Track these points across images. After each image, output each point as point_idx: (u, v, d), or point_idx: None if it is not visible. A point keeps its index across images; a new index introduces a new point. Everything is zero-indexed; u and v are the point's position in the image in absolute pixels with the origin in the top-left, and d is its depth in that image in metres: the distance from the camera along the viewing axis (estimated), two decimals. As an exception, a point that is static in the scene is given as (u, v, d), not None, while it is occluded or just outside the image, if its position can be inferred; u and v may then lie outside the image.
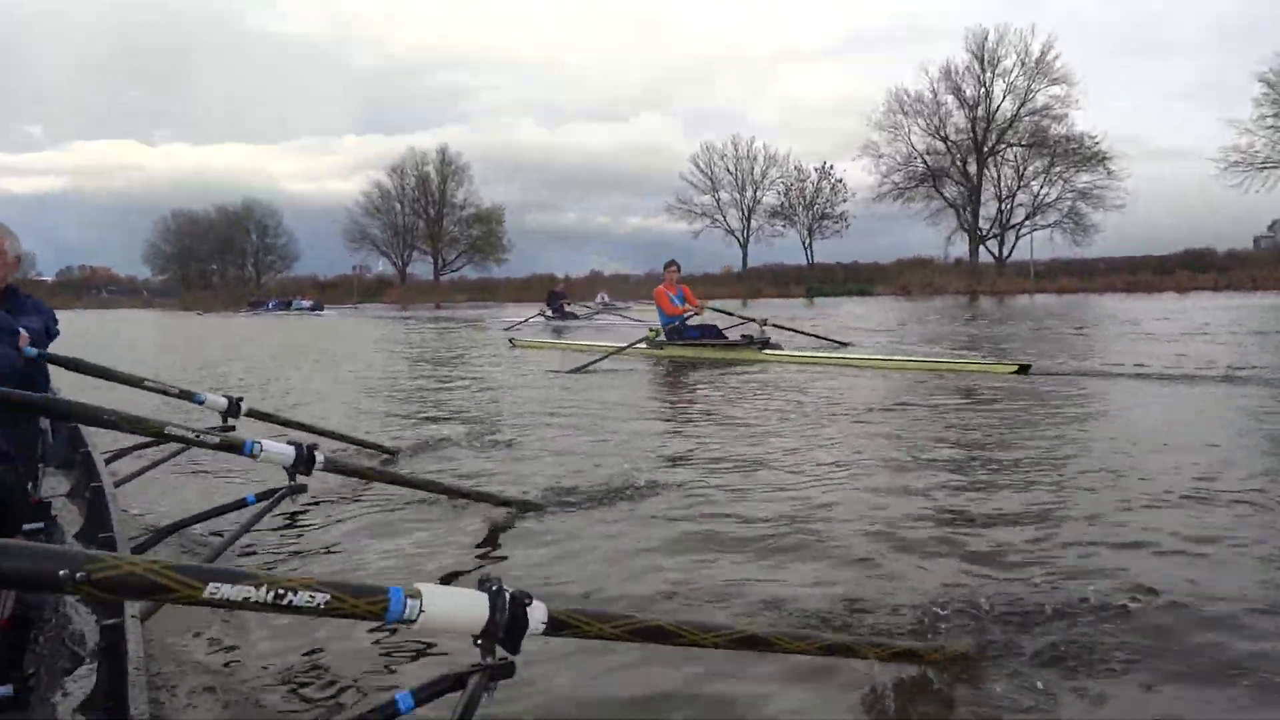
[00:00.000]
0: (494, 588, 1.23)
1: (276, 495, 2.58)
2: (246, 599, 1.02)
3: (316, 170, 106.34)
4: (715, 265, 66.22)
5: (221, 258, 75.79)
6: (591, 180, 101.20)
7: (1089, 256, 53.39)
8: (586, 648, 1.80)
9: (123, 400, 3.86)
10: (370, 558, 2.87)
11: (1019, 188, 54.20)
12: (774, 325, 10.66)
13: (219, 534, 2.82)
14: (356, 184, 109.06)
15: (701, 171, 62.72)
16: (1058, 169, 52.32)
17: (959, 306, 29.24)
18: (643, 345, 10.47)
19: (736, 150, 62.52)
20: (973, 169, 54.55)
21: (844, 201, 60.88)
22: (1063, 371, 7.58)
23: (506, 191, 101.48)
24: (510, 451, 4.72)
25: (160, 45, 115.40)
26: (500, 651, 1.25)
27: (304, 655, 2.09)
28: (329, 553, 2.94)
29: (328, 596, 1.07)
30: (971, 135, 54.31)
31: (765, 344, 9.75)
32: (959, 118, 54.68)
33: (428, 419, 6.14)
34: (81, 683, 1.44)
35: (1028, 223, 54.33)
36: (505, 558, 2.88)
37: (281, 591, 1.04)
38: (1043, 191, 53.40)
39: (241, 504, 2.70)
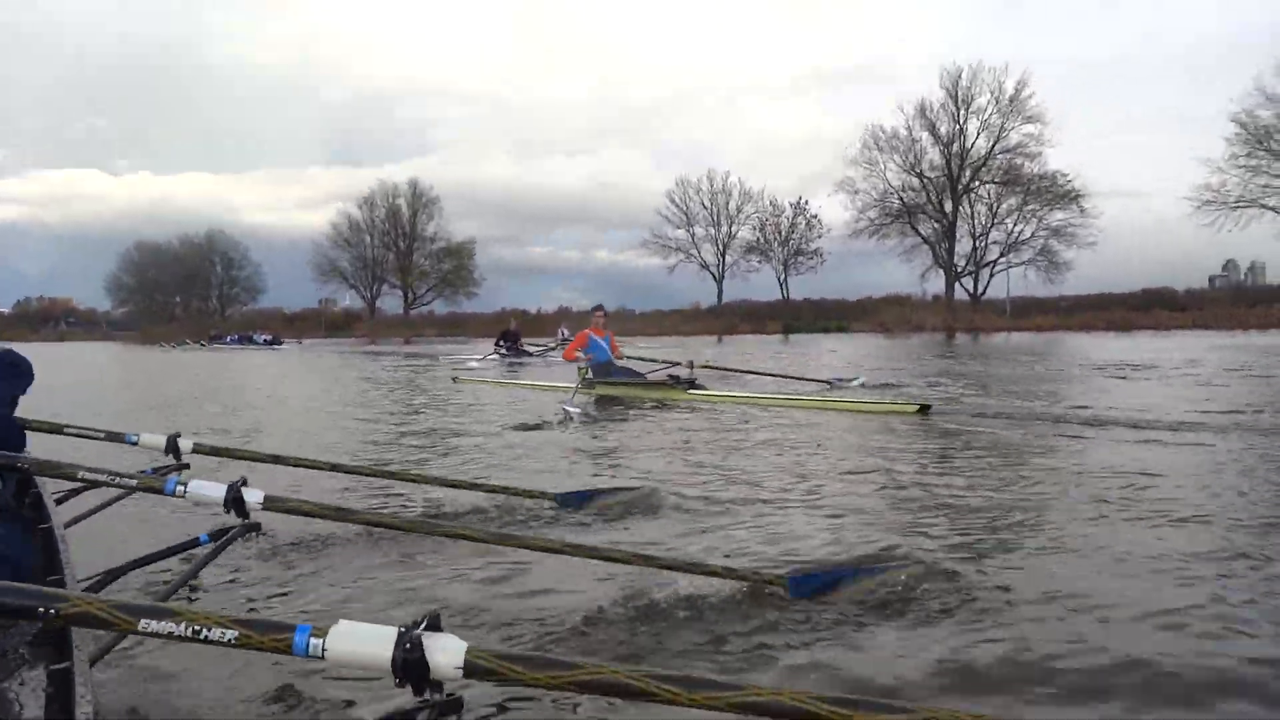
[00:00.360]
0: (406, 627, 1.22)
1: (229, 535, 2.51)
2: (171, 633, 1.17)
3: (283, 201, 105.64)
4: (690, 300, 65.85)
5: (185, 290, 74.33)
6: (559, 214, 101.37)
7: (1048, 295, 54.63)
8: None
9: (50, 449, 3.57)
10: (320, 593, 2.88)
11: (992, 225, 54.45)
12: (707, 367, 11.31)
13: (170, 573, 2.83)
14: (324, 216, 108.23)
15: (676, 206, 62.44)
16: (1031, 207, 52.56)
17: (936, 343, 29.61)
18: (568, 385, 10.68)
19: (712, 185, 62.36)
20: (948, 206, 54.51)
21: (819, 238, 60.67)
22: (959, 412, 7.84)
23: (472, 225, 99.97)
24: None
25: (125, 74, 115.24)
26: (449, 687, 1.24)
27: (262, 693, 2.07)
28: (281, 588, 2.94)
29: (236, 633, 1.18)
30: (947, 172, 54.36)
31: (690, 384, 10.13)
32: (934, 154, 54.92)
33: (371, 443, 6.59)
34: None
35: (1002, 260, 54.45)
36: (442, 595, 2.78)
37: (198, 628, 1.18)
38: (1017, 229, 53.61)
39: (195, 543, 2.62)
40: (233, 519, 2.48)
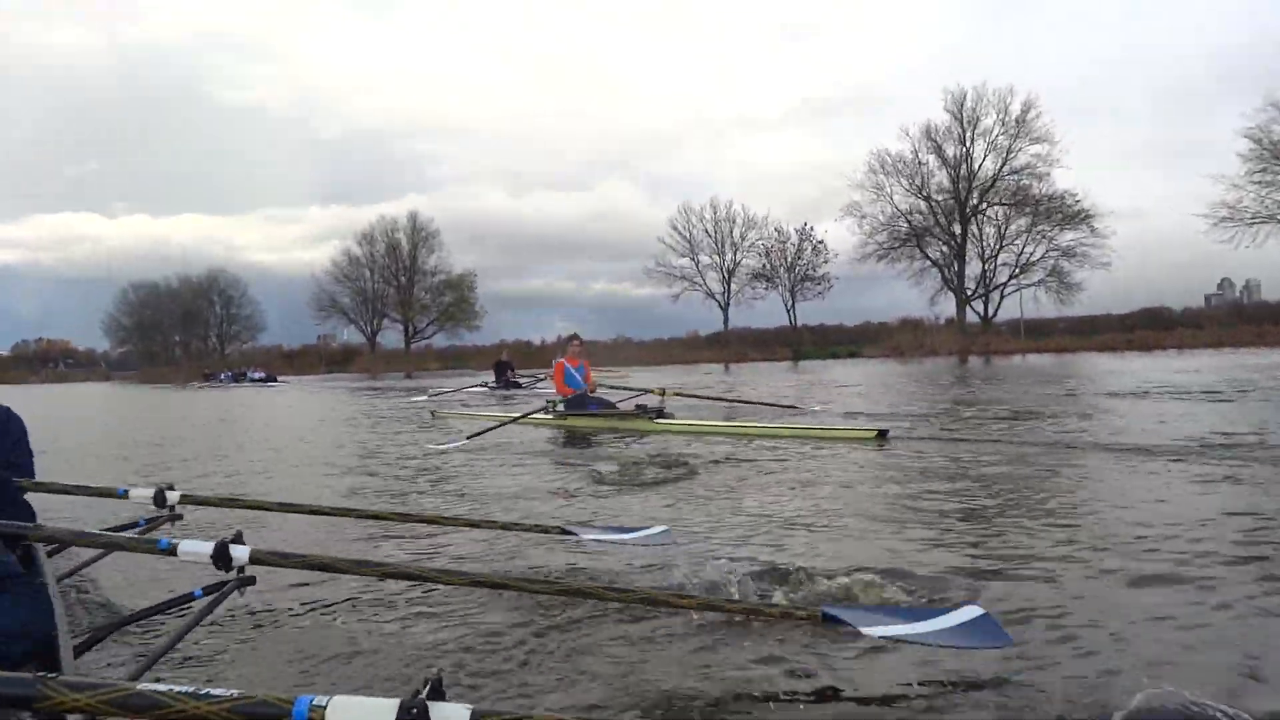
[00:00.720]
0: (406, 698, 1.15)
1: (223, 590, 2.42)
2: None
3: (281, 241, 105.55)
4: (695, 328, 65.00)
5: (184, 329, 74.00)
6: (556, 246, 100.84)
7: (1048, 316, 54.47)
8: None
9: (38, 503, 3.42)
10: (316, 648, 2.72)
11: (1001, 247, 53.49)
12: (678, 395, 11.49)
13: (163, 630, 2.77)
14: (323, 253, 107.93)
15: (679, 234, 61.68)
16: (1040, 227, 51.61)
17: (949, 367, 28.82)
18: (541, 415, 10.59)
19: (715, 213, 61.62)
20: (957, 228, 53.62)
21: (825, 263, 59.72)
22: (916, 437, 7.90)
23: (470, 258, 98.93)
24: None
25: (121, 117, 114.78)
26: None
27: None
28: (276, 645, 2.80)
29: (228, 707, 1.16)
30: (955, 194, 53.53)
31: (659, 413, 9.98)
32: (941, 177, 54.14)
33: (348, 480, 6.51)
34: None
35: (1012, 281, 53.40)
36: (441, 644, 2.66)
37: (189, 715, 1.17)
38: (1026, 250, 52.62)
39: (189, 598, 2.54)
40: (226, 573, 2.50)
